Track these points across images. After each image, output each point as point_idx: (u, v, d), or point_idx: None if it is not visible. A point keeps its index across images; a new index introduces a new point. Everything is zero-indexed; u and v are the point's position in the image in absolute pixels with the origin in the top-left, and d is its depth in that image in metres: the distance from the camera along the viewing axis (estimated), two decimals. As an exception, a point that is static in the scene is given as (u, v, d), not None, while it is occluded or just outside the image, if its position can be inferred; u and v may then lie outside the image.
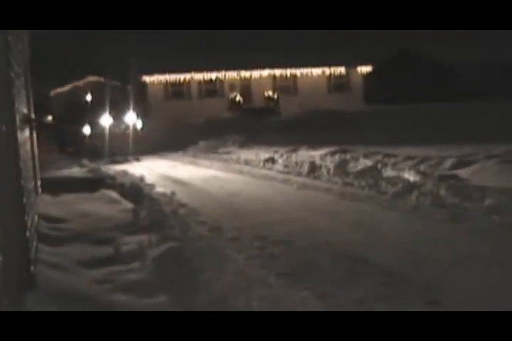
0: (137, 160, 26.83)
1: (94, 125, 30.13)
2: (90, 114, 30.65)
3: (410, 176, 13.38)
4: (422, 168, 14.06)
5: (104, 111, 30.34)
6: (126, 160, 26.33)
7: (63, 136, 31.29)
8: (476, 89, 45.85)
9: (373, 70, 46.63)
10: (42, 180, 13.18)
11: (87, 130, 30.17)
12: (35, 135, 12.82)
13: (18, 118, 6.67)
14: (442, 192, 11.42)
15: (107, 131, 29.22)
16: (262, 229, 9.94)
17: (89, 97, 33.92)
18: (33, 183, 9.44)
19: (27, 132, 9.60)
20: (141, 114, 31.84)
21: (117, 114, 30.63)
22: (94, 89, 35.79)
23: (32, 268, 5.84)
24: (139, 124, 31.14)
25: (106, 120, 30.12)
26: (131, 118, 30.89)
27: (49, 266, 6.72)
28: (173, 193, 13.93)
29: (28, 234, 5.88)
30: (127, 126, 30.21)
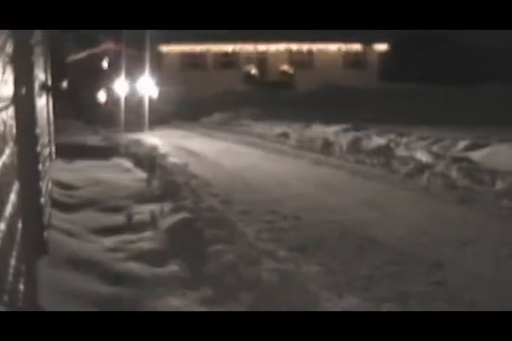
0: (151, 129, 26.78)
1: (109, 92, 30.03)
2: (106, 80, 30.53)
3: (423, 156, 13.40)
4: (435, 148, 14.07)
5: (120, 78, 30.16)
6: (139, 129, 26.27)
7: (78, 102, 31.15)
8: (504, 74, 44.81)
9: (390, 48, 46.32)
10: (56, 146, 13.22)
11: (102, 97, 30.07)
12: (51, 101, 12.86)
13: (36, 84, 6.71)
14: (454, 173, 11.44)
15: (122, 98, 29.05)
16: (272, 203, 10.01)
17: (105, 64, 33.71)
18: (48, 149, 9.48)
19: (44, 98, 9.63)
20: (157, 83, 31.64)
21: (133, 82, 30.48)
22: (110, 56, 35.56)
23: (45, 233, 5.90)
24: (155, 93, 30.96)
25: (122, 88, 29.94)
26: (148, 87, 30.71)
27: (61, 232, 6.78)
28: (185, 164, 13.98)
29: (42, 200, 5.93)
30: (143, 95, 30.02)
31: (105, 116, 28.38)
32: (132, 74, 30.46)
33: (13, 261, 2.70)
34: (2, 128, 2.75)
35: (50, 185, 8.48)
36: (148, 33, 34.28)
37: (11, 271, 2.58)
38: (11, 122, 3.44)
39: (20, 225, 3.41)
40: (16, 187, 3.35)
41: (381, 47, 46.12)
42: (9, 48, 3.63)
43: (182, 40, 41.04)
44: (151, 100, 29.75)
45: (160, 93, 30.70)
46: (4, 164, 2.70)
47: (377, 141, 15.96)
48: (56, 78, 18.28)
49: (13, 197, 3.06)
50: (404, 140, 15.43)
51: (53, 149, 12.15)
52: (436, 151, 13.74)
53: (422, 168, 12.29)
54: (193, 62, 43.28)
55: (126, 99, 29.18)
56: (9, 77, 3.53)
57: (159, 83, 31.49)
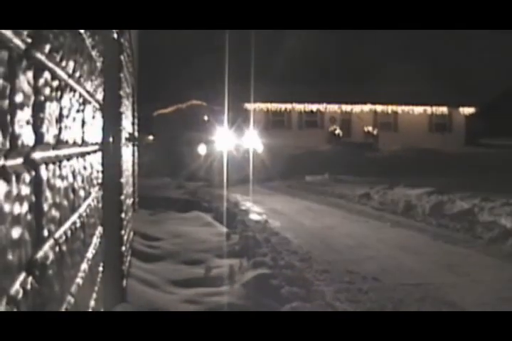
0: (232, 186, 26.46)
1: (209, 146, 29.11)
2: (200, 136, 30.03)
3: (507, 222, 13.12)
4: (521, 214, 13.79)
5: (215, 134, 29.45)
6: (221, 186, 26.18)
7: (175, 157, 30.34)
8: None
9: (477, 111, 45.95)
10: (140, 197, 13.39)
11: (202, 151, 29.29)
12: (136, 153, 13.08)
13: (123, 136, 6.83)
14: (540, 241, 11.18)
15: (222, 153, 28.09)
16: (352, 263, 9.89)
17: (206, 117, 33.68)
18: (131, 200, 9.61)
19: (130, 150, 9.80)
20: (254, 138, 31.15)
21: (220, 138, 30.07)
22: (196, 112, 35.99)
23: (124, 282, 5.93)
24: (260, 148, 30.32)
25: (220, 143, 29.05)
26: (252, 141, 30.20)
27: (141, 282, 6.82)
28: (266, 221, 13.99)
29: (123, 248, 5.98)
30: (247, 150, 29.36)
31: (205, 172, 27.72)
32: (220, 129, 30.30)
33: (92, 303, 2.71)
34: (89, 172, 2.79)
35: (131, 234, 8.57)
36: (234, 91, 34.51)
37: (90, 313, 2.58)
38: (98, 167, 3.49)
39: (101, 269, 3.44)
40: (98, 232, 3.38)
41: (467, 110, 45.77)
42: (99, 96, 3.70)
43: (267, 98, 41.42)
44: (256, 154, 29.15)
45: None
46: (89, 206, 2.74)
47: (461, 205, 15.72)
48: (143, 131, 18.59)
49: (95, 240, 3.09)
50: (489, 205, 15.14)
51: (137, 200, 12.31)
52: (521, 217, 13.45)
53: (506, 233, 12.02)
54: (277, 120, 43.64)
55: (223, 153, 28.61)
56: (99, 123, 3.59)
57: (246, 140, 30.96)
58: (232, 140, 29.23)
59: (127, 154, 8.56)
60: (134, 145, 11.47)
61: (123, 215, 6.09)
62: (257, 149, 30.09)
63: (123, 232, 6.00)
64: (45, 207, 1.57)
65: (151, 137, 39.19)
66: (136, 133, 12.83)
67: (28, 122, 1.39)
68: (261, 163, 28.62)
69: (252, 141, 30.34)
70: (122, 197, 6.09)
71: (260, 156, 29.49)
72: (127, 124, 8.44)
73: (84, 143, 2.49)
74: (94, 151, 3.14)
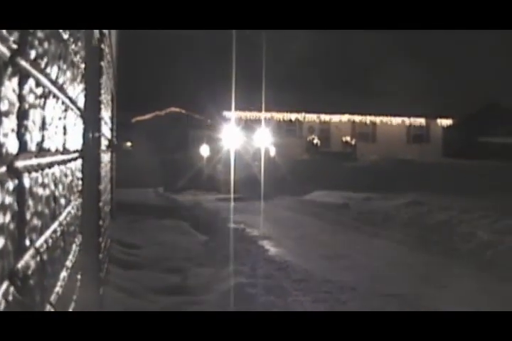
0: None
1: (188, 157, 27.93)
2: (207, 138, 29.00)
3: (485, 234, 13.15)
4: (497, 226, 13.82)
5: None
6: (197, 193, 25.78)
7: (159, 165, 29.12)
8: None
9: (454, 123, 46.19)
10: (118, 204, 13.33)
11: (205, 152, 28.31)
12: (114, 159, 13.03)
13: (103, 142, 6.80)
14: (517, 252, 11.20)
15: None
16: (330, 273, 9.88)
17: (209, 121, 33.24)
18: (109, 207, 9.56)
19: (108, 156, 9.76)
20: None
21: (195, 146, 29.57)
22: (175, 119, 35.96)
23: (101, 290, 5.89)
24: (273, 151, 29.25)
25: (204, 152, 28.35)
26: (262, 142, 28.40)
27: (118, 290, 6.78)
28: (245, 230, 13.97)
29: (101, 256, 5.94)
30: (257, 152, 27.71)
31: (206, 181, 27.02)
32: (199, 137, 29.99)
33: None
34: (70, 179, 2.77)
35: (109, 241, 8.53)
36: (213, 99, 34.21)
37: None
38: (78, 174, 3.46)
39: (79, 277, 3.41)
40: (77, 239, 3.36)
41: (445, 122, 46.04)
42: (81, 102, 3.67)
43: (246, 106, 41.38)
44: (269, 158, 27.62)
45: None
46: (69, 213, 2.71)
47: (439, 216, 15.75)
48: (120, 137, 18.48)
49: (74, 248, 3.06)
50: (467, 216, 15.19)
51: (114, 207, 12.26)
52: (499, 229, 13.48)
53: (484, 245, 12.05)
54: (255, 128, 43.61)
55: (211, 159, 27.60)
56: (79, 130, 3.57)
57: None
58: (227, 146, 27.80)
59: (106, 161, 8.52)
60: (112, 151, 11.42)
61: (101, 222, 6.05)
62: (270, 152, 28.76)
63: (101, 239, 5.96)
64: (28, 215, 1.55)
65: (128, 144, 39.07)
66: (114, 140, 12.79)
67: (12, 130, 1.37)
68: (275, 167, 27.17)
69: (264, 144, 28.68)
70: (101, 204, 6.06)
71: (273, 160, 28.02)
72: (106, 131, 8.41)
73: (65, 150, 2.46)
74: (75, 158, 3.12)
